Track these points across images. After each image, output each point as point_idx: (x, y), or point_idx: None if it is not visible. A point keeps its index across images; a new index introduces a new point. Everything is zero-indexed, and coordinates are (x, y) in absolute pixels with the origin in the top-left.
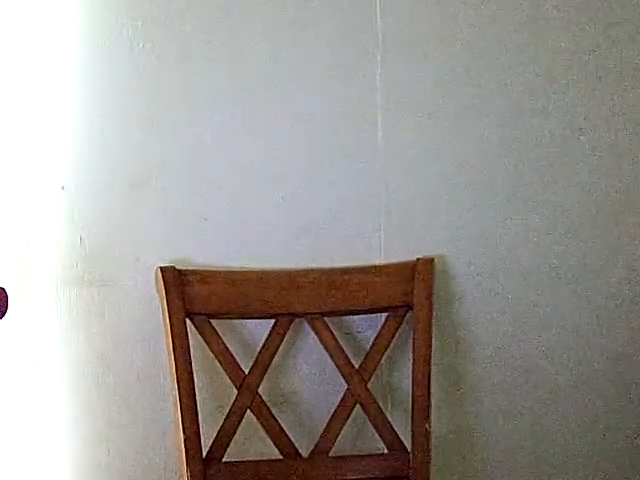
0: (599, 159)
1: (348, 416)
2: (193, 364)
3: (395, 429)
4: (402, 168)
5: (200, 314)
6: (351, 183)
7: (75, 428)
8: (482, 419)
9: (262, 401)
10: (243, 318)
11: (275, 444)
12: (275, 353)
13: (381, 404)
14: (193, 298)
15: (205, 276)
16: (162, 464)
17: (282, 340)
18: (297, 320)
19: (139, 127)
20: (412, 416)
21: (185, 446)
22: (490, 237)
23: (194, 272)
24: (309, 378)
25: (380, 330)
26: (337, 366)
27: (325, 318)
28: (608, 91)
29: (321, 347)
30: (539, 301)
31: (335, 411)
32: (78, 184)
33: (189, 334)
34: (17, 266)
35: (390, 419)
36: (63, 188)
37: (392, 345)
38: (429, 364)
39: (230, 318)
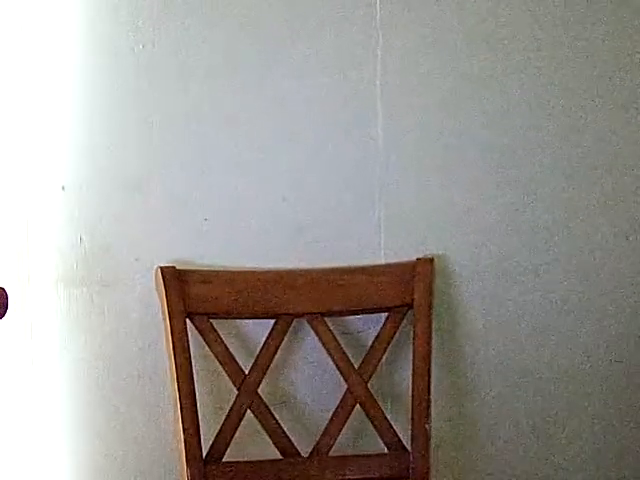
0: (600, 159)
1: (348, 416)
2: (193, 364)
3: (395, 429)
4: (402, 168)
5: (200, 314)
6: (351, 183)
7: (75, 428)
8: (482, 419)
9: (262, 401)
10: (243, 318)
11: (275, 444)
12: (275, 353)
13: (381, 404)
14: (193, 298)
15: (205, 276)
16: (162, 464)
17: (282, 340)
18: (297, 320)
19: (139, 127)
20: (412, 416)
21: (185, 446)
22: (490, 237)
23: (194, 272)
24: (309, 378)
25: (380, 330)
26: (337, 366)
27: (325, 318)
28: (611, 90)
29: (321, 347)
30: (539, 301)
31: (335, 411)
32: (78, 184)
33: (189, 334)
34: (17, 266)
35: (390, 419)
36: (63, 188)
37: (392, 345)
38: (429, 364)
39: (230, 318)
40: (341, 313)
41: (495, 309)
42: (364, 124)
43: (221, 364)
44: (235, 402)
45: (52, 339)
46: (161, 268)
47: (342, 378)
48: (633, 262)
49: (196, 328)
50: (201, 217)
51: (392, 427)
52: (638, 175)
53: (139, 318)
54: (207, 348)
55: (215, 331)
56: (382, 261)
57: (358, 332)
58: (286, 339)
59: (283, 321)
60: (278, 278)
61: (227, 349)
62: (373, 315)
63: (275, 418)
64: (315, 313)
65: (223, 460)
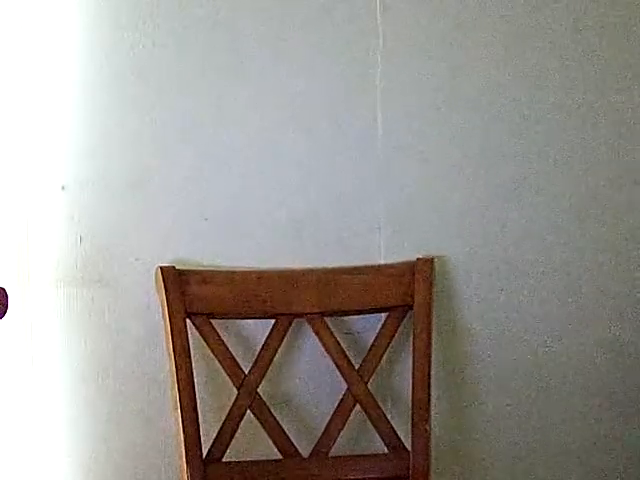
0: (600, 159)
1: (348, 416)
2: (193, 364)
3: (395, 429)
4: (402, 168)
5: (200, 314)
6: (351, 183)
7: (75, 428)
8: (482, 419)
9: (262, 401)
10: (243, 318)
11: (275, 444)
12: (275, 353)
13: (381, 404)
14: (193, 298)
15: (205, 276)
16: (162, 464)
17: (282, 340)
18: (297, 320)
19: (139, 127)
20: (412, 416)
21: (185, 446)
22: (490, 237)
23: (194, 272)
24: (309, 378)
25: (380, 330)
26: (337, 366)
27: (325, 318)
28: (613, 90)
29: (321, 347)
30: (539, 300)
31: (335, 411)
32: (78, 184)
33: (189, 334)
34: (17, 266)
35: (390, 419)
36: (63, 188)
37: (392, 345)
38: (429, 364)
39: (230, 318)
40: (341, 313)
41: (495, 309)
42: (364, 124)
43: (221, 364)
44: (235, 402)
45: (52, 339)
46: (161, 268)
47: (342, 378)
48: (633, 263)
49: (196, 328)
50: (201, 217)
51: (392, 427)
52: (638, 175)
53: (139, 318)
54: (207, 348)
55: (215, 331)
56: (382, 261)
57: (358, 332)
58: (286, 339)
59: (283, 321)
60: (278, 278)
61: (227, 349)
62: (373, 315)
63: (275, 418)
64: (315, 313)
65: (223, 460)
